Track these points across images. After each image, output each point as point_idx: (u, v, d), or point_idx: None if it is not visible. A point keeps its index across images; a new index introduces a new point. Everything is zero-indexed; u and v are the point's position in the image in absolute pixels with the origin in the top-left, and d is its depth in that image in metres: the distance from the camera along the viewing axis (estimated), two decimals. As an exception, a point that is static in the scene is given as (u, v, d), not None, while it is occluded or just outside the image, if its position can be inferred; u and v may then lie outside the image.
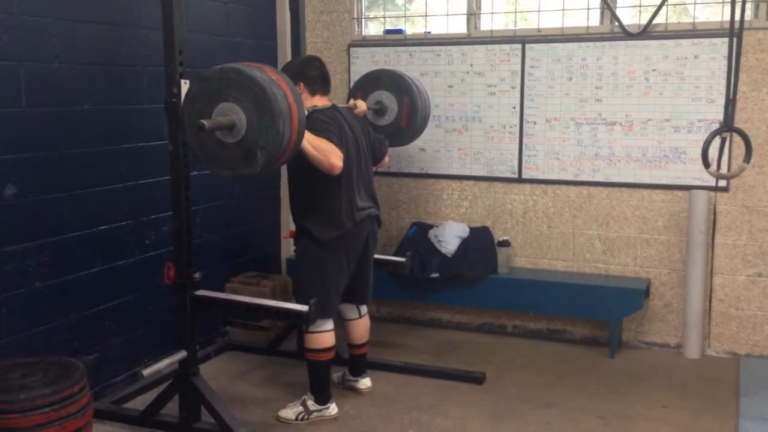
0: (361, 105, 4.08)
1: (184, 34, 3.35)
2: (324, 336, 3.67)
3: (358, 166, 3.71)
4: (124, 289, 4.04)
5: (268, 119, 2.92)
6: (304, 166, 3.45)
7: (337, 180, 3.54)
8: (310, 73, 3.72)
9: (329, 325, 3.69)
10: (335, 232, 3.61)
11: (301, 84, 3.66)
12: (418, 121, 4.41)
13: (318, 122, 3.50)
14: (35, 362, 2.95)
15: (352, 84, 5.15)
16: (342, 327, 3.99)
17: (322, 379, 3.73)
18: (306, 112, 3.25)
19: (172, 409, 3.57)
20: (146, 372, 3.32)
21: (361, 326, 4.01)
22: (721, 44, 4.33)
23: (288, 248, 5.33)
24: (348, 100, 4.36)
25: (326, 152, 3.40)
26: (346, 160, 3.54)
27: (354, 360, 4.07)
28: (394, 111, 4.35)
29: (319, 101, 3.72)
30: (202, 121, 2.88)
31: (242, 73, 2.93)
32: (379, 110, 4.35)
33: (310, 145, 3.33)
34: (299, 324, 3.68)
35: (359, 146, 3.74)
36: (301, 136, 3.11)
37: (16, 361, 2.99)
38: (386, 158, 4.08)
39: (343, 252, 3.68)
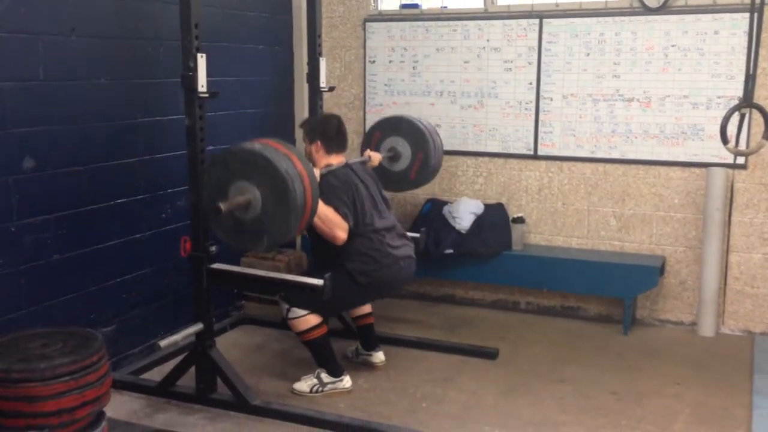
0: (376, 157, 4.22)
1: (200, 7, 3.34)
2: (307, 318, 3.68)
3: (380, 216, 3.80)
4: (141, 262, 4.08)
5: (283, 212, 3.04)
6: None
7: (362, 231, 3.66)
8: (329, 132, 3.83)
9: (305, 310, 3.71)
10: (373, 268, 3.67)
11: (318, 142, 3.79)
12: (427, 176, 4.56)
13: (329, 188, 3.60)
14: (55, 332, 2.98)
15: (368, 49, 5.14)
16: None
17: (325, 352, 3.77)
18: (319, 174, 3.48)
19: (188, 381, 3.62)
20: (163, 344, 3.35)
21: None
22: (742, 19, 4.27)
23: (303, 223, 5.34)
24: (363, 142, 4.54)
25: (332, 224, 3.54)
26: (363, 214, 3.68)
27: (363, 332, 4.11)
28: (407, 160, 4.46)
29: (335, 159, 3.81)
30: (219, 204, 2.99)
31: (271, 163, 3.01)
32: (393, 157, 4.45)
33: (317, 215, 3.40)
34: (282, 313, 3.76)
35: (374, 198, 3.84)
36: (307, 224, 3.26)
37: (36, 331, 3.02)
38: None
39: (376, 292, 3.83)
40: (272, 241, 3.15)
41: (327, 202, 3.53)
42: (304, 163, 3.15)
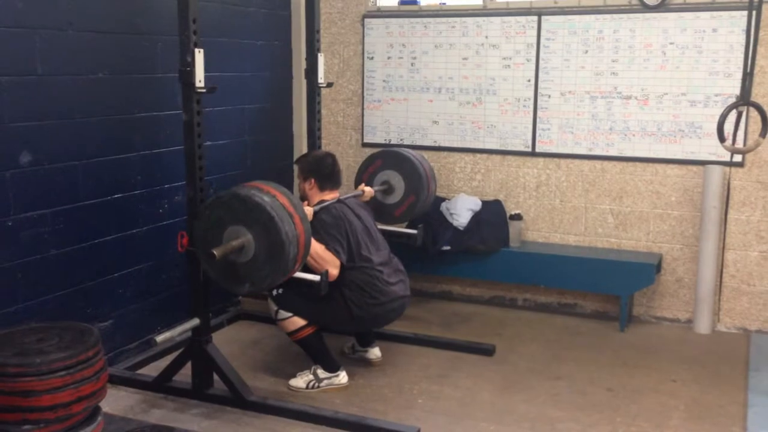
0: (368, 192, 4.26)
1: (198, 2, 3.33)
2: (293, 319, 3.69)
3: (376, 248, 3.82)
4: (138, 257, 4.08)
5: (271, 268, 3.10)
6: None
7: (360, 265, 3.67)
8: (323, 171, 3.87)
9: None
10: (370, 303, 3.68)
11: (312, 180, 3.84)
12: (410, 216, 4.59)
13: (322, 225, 3.63)
14: (51, 327, 2.98)
15: (367, 45, 5.13)
16: None
17: (319, 349, 3.78)
18: (312, 212, 3.55)
19: (184, 376, 3.63)
20: (160, 339, 3.35)
21: None
22: (740, 17, 4.27)
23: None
24: (362, 167, 4.54)
25: (323, 261, 3.56)
26: (359, 246, 3.70)
27: None
28: (397, 198, 4.48)
29: (328, 195, 3.85)
30: (213, 251, 3.03)
31: (274, 222, 3.05)
32: (386, 191, 4.48)
33: (308, 254, 3.41)
34: (272, 314, 3.80)
35: (369, 230, 3.86)
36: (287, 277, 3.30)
37: (32, 326, 3.03)
38: None
39: (366, 325, 3.86)
40: (253, 289, 3.22)
41: (319, 240, 3.55)
42: (304, 224, 3.20)
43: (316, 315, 3.68)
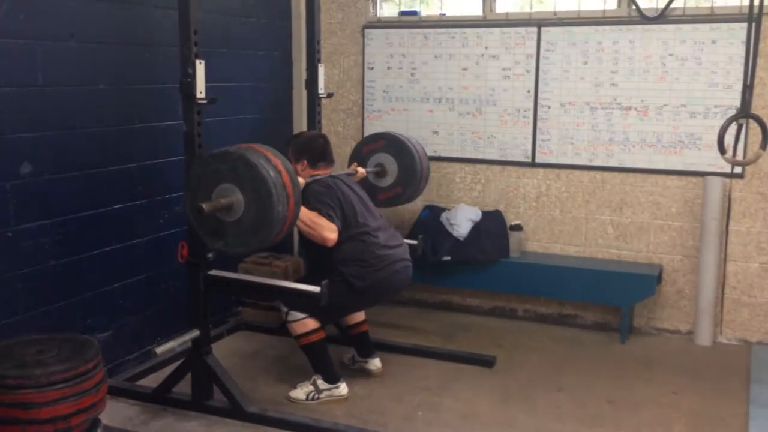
0: (361, 172, 4.29)
1: (199, 13, 3.34)
2: (305, 321, 3.69)
3: (372, 215, 3.85)
4: (138, 268, 4.07)
5: (249, 238, 3.09)
6: None
7: (356, 233, 3.67)
8: (314, 152, 3.89)
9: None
10: (369, 271, 3.67)
11: (304, 161, 3.84)
12: (389, 205, 4.62)
13: (313, 194, 3.64)
14: (50, 339, 2.98)
15: (367, 56, 5.14)
16: None
17: (322, 357, 3.77)
18: (304, 183, 3.55)
19: (184, 387, 3.61)
20: (159, 350, 3.34)
21: None
22: (740, 29, 4.27)
23: (300, 229, 5.33)
24: (363, 141, 4.56)
25: (318, 227, 3.56)
26: (355, 213, 3.71)
27: (358, 340, 4.11)
28: (386, 183, 4.51)
29: (321, 172, 3.86)
30: (203, 205, 3.01)
31: (271, 199, 3.03)
32: (379, 173, 4.49)
33: (302, 221, 3.44)
34: (282, 317, 3.79)
35: (363, 200, 3.88)
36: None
37: (31, 337, 3.02)
38: None
39: (374, 296, 3.84)
40: (225, 249, 3.20)
41: (310, 208, 3.56)
42: (296, 207, 3.18)
43: (326, 307, 3.64)
